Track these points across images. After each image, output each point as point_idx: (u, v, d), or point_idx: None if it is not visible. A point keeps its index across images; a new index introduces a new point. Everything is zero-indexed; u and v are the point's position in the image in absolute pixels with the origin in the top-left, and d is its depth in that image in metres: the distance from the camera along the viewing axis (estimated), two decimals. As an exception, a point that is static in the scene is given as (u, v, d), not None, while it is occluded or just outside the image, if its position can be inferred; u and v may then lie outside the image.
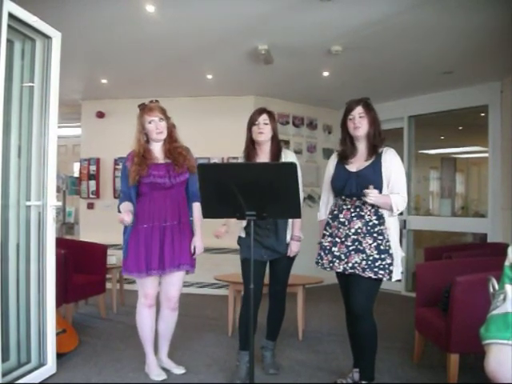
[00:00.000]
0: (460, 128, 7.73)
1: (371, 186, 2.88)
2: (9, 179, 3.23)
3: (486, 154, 6.29)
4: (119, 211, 3.39)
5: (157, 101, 3.50)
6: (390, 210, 2.98)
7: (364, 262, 2.95)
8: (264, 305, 3.57)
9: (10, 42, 3.14)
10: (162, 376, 3.46)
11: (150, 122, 3.36)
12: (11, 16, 2.97)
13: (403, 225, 6.80)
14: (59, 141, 3.61)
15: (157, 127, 3.36)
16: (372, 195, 2.87)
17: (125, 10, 3.96)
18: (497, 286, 1.48)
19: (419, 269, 3.92)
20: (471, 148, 7.91)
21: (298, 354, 4.12)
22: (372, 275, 2.94)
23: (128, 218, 3.21)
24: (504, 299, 1.37)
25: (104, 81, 6.27)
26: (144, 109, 3.42)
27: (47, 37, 3.42)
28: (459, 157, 8.29)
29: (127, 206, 3.34)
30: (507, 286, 1.39)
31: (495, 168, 6.01)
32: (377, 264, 2.94)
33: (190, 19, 4.16)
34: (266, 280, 3.59)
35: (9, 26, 2.96)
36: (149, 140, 3.44)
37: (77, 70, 5.74)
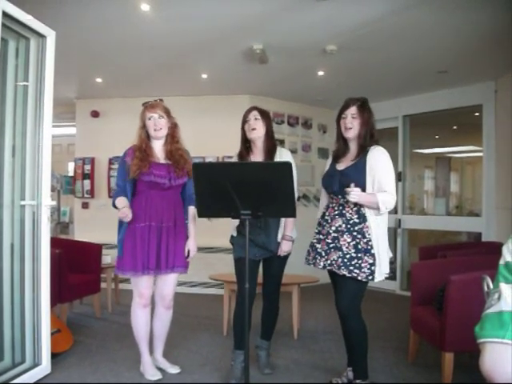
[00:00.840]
0: (454, 127, 7.75)
1: (352, 185, 2.89)
2: (3, 179, 3.22)
3: (480, 154, 6.31)
4: (114, 206, 3.37)
5: (161, 100, 3.51)
6: (377, 208, 2.94)
7: (340, 260, 2.96)
8: (258, 304, 3.57)
9: (4, 41, 3.13)
10: (157, 376, 3.45)
11: (149, 119, 3.38)
12: (5, 14, 2.96)
13: (398, 224, 6.82)
14: (54, 140, 3.59)
15: (155, 124, 3.37)
16: (353, 193, 2.87)
17: (120, 9, 3.95)
18: (491, 285, 1.48)
19: (414, 268, 3.93)
20: (466, 147, 7.92)
21: (293, 353, 4.12)
22: (346, 273, 2.93)
23: (130, 213, 3.21)
24: (498, 298, 1.37)
25: (99, 80, 6.26)
26: (146, 106, 3.44)
27: (41, 36, 3.40)
28: (454, 156, 8.31)
29: (124, 201, 3.30)
30: (502, 285, 1.39)
31: (489, 167, 6.04)
32: (353, 262, 2.93)
33: (184, 18, 4.15)
34: (260, 279, 3.59)
35: (3, 25, 2.95)
36: (149, 137, 3.44)
37: (71, 68, 5.72)
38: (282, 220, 3.45)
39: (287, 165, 2.53)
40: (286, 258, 3.53)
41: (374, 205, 2.95)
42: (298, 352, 4.15)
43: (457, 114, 6.71)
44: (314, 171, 7.45)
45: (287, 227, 3.46)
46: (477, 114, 6.28)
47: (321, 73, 5.73)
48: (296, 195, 2.79)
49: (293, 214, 2.69)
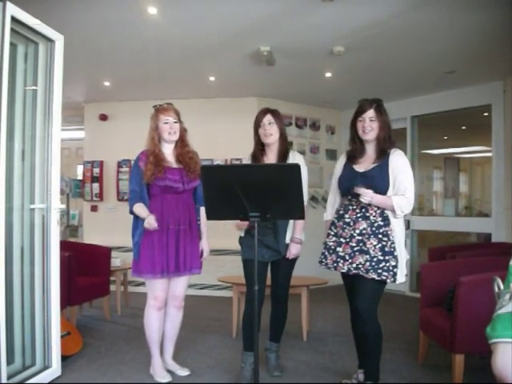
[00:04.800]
0: (463, 128, 7.72)
1: (361, 185, 2.89)
2: (13, 182, 3.24)
3: (489, 154, 6.27)
4: (131, 212, 3.38)
5: (171, 104, 3.52)
6: (393, 211, 2.96)
7: (368, 263, 2.92)
8: (267, 306, 3.57)
9: (13, 46, 3.15)
10: (167, 378, 3.46)
11: (165, 122, 3.39)
12: (14, 19, 2.98)
13: (407, 225, 6.77)
14: (62, 144, 3.62)
15: (171, 127, 3.39)
16: (367, 195, 2.87)
17: (127, 13, 3.97)
18: (502, 286, 1.48)
19: (423, 269, 3.91)
20: (474, 148, 7.90)
21: (302, 354, 4.12)
22: (375, 276, 2.91)
23: (156, 223, 3.24)
24: (510, 298, 1.37)
25: (107, 83, 6.28)
26: (159, 109, 3.45)
27: (50, 40, 3.43)
28: (462, 157, 8.28)
29: (145, 209, 3.33)
30: (512, 286, 1.39)
31: (499, 167, 6.00)
32: (380, 265, 2.91)
33: (192, 21, 4.16)
34: (268, 281, 3.58)
35: (12, 30, 2.97)
36: (160, 141, 3.45)
37: (80, 72, 5.75)
38: (291, 221, 3.44)
39: (296, 167, 2.53)
40: (294, 260, 3.51)
41: (388, 207, 2.95)
42: (307, 354, 4.14)
43: (465, 115, 6.68)
44: (322, 173, 7.45)
45: (296, 229, 3.43)
46: (485, 114, 6.25)
47: (328, 74, 5.72)
48: (306, 197, 2.77)
49: (301, 216, 2.69)
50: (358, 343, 3.23)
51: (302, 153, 7.24)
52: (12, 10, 2.93)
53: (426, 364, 3.80)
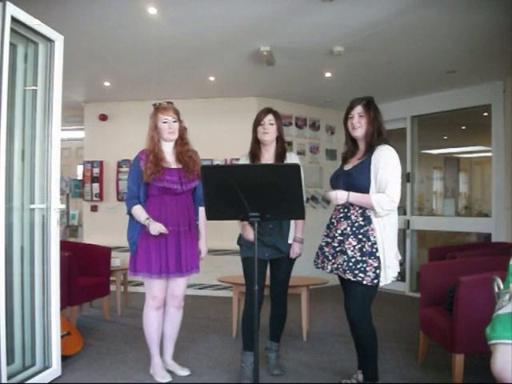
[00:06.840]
0: (463, 128, 7.71)
1: (332, 191, 2.94)
2: (13, 182, 3.24)
3: (489, 154, 6.28)
4: (129, 213, 3.39)
5: (171, 102, 3.52)
6: (373, 209, 2.87)
7: (345, 264, 2.89)
8: (266, 306, 3.57)
9: (12, 46, 3.15)
10: (167, 378, 3.46)
11: (164, 122, 3.39)
12: (14, 20, 2.98)
13: (407, 225, 6.79)
14: (62, 144, 3.61)
15: (170, 127, 3.39)
16: (336, 197, 2.91)
17: (127, 13, 3.97)
18: (502, 286, 1.48)
19: (423, 269, 3.91)
20: (474, 148, 7.89)
21: (302, 354, 4.11)
22: (351, 277, 2.86)
23: (163, 226, 3.28)
24: (510, 299, 1.37)
25: (107, 83, 6.28)
26: (159, 108, 3.45)
27: (50, 40, 3.43)
28: (462, 156, 8.27)
29: (144, 212, 3.33)
30: (512, 286, 1.39)
31: (499, 167, 6.00)
32: (358, 266, 2.86)
33: (192, 21, 4.16)
34: (267, 282, 3.58)
35: (12, 30, 2.98)
36: (159, 140, 3.44)
37: (79, 72, 5.75)
38: (293, 221, 3.47)
39: (296, 167, 2.53)
40: (294, 260, 3.54)
41: (367, 205, 2.89)
42: (307, 354, 4.14)
43: (465, 114, 6.68)
44: (322, 173, 7.45)
45: (298, 229, 3.49)
46: (485, 113, 6.25)
47: (328, 74, 5.72)
48: (304, 197, 2.79)
49: (302, 216, 2.69)
50: (356, 345, 3.23)
51: (302, 153, 7.25)
52: (12, 10, 2.93)
53: (425, 364, 3.80)
